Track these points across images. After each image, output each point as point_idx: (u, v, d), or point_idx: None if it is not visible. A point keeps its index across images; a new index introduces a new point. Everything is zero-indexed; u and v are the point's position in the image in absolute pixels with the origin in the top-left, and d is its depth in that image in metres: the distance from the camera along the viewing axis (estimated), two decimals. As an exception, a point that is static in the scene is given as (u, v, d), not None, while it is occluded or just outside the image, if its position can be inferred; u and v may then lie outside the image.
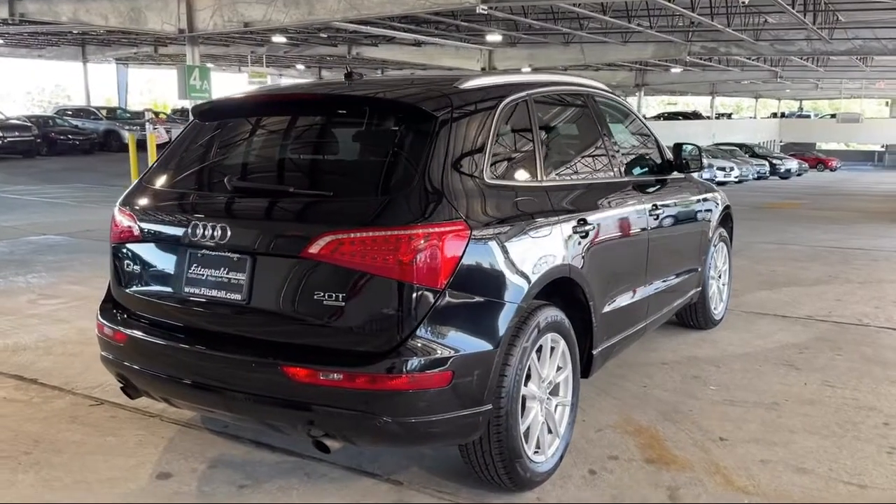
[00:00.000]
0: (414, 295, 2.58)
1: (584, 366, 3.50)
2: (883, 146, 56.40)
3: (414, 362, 2.58)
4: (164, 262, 3.04)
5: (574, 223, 3.32)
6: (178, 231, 2.96)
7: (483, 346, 2.73)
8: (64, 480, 3.26)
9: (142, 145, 14.07)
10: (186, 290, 2.92)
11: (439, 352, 2.62)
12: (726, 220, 5.53)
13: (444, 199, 2.69)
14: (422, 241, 2.58)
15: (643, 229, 4.02)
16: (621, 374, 4.50)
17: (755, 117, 55.51)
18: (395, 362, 2.57)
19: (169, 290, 2.99)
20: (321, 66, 39.91)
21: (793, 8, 14.45)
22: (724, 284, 5.65)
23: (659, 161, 4.61)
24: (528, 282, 2.93)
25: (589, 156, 3.81)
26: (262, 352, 2.73)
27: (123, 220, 3.20)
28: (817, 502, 3.07)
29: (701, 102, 46.15)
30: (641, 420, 3.87)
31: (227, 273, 2.82)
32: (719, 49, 20.07)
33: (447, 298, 2.63)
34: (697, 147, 4.62)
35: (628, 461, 3.41)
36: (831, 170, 43.10)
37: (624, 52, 20.41)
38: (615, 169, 3.98)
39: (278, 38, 22.11)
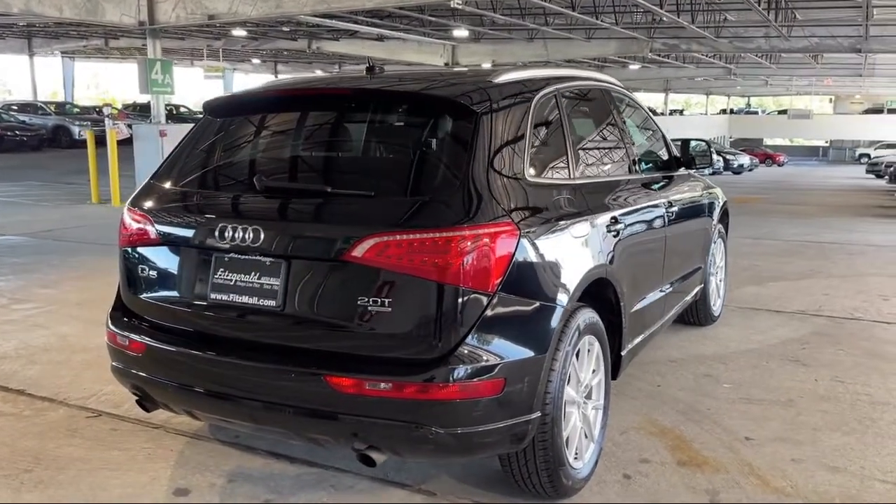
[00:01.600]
0: (465, 299, 2.46)
1: (613, 367, 3.43)
2: (827, 142, 58.05)
3: (466, 370, 2.46)
4: (186, 266, 2.85)
5: (608, 221, 3.25)
6: (202, 234, 2.79)
7: (533, 351, 2.62)
8: (73, 499, 3.06)
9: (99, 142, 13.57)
10: (212, 296, 2.74)
11: (491, 358, 2.50)
12: (724, 215, 5.54)
13: (491, 199, 2.58)
14: (473, 243, 2.47)
15: (662, 226, 3.97)
16: (632, 374, 4.45)
17: (706, 113, 56.49)
18: (446, 370, 2.44)
19: (192, 296, 2.81)
20: (277, 60, 39.29)
21: (759, 5, 14.66)
22: (721, 280, 5.65)
23: (666, 157, 4.57)
24: (574, 283, 2.84)
25: (611, 152, 3.73)
26: (302, 361, 2.58)
27: (136, 223, 3.00)
28: (858, 503, 3.05)
29: (655, 99, 46.77)
30: (663, 421, 3.81)
31: (259, 278, 2.66)
32: (680, 46, 20.31)
33: (498, 302, 2.52)
34: (707, 143, 4.58)
35: (660, 464, 3.35)
36: (779, 165, 44.16)
37: (587, 49, 20.50)
38: (635, 165, 3.93)
39: (238, 32, 21.61)
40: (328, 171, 2.95)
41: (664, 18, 17.68)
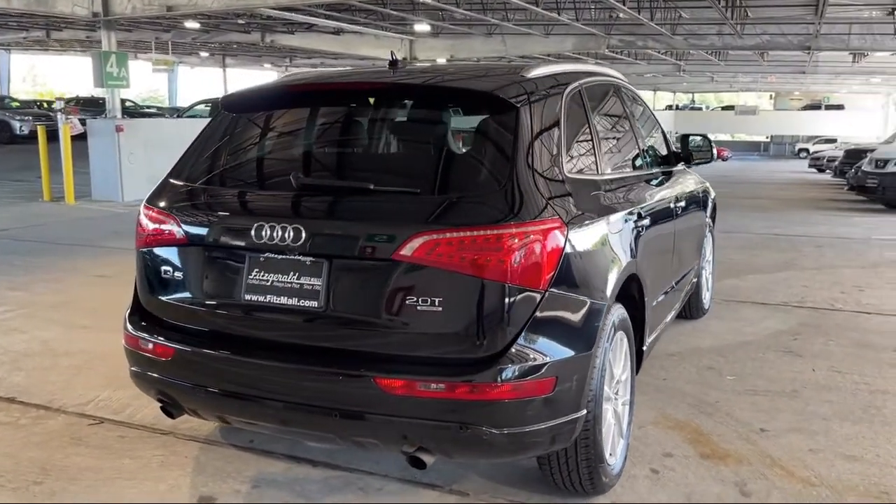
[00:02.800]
0: (517, 297, 2.42)
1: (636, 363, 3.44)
2: (768, 137, 59.69)
3: (518, 369, 2.42)
4: (216, 267, 2.74)
5: (635, 217, 3.25)
6: (234, 233, 2.68)
7: (581, 348, 2.60)
8: (93, 512, 2.93)
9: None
10: (247, 297, 2.65)
11: (542, 357, 2.47)
12: (713, 209, 5.62)
13: (539, 194, 2.55)
14: (525, 240, 2.43)
15: (672, 221, 4.01)
16: (637, 368, 4.47)
17: (653, 109, 57.44)
18: (499, 370, 2.40)
19: (223, 297, 2.71)
20: (225, 53, 38.43)
21: (718, 3, 14.95)
22: (710, 274, 5.74)
23: (666, 152, 4.61)
24: (613, 279, 2.83)
25: (627, 147, 3.74)
26: (349, 363, 2.50)
27: (157, 222, 2.87)
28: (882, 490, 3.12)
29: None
30: (677, 415, 3.84)
31: (299, 278, 2.57)
32: (637, 43, 20.61)
33: (548, 299, 2.49)
34: (707, 138, 4.63)
35: (684, 458, 3.37)
36: (723, 159, 45.18)
37: (545, 45, 20.61)
38: (646, 160, 3.95)
39: (191, 24, 21.08)
40: (368, 168, 2.87)
41: (622, 15, 17.91)
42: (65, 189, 12.53)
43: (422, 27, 19.85)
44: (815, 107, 54.53)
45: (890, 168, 13.19)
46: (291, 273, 2.59)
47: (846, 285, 6.84)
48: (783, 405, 3.99)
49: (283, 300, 2.59)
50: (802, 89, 51.35)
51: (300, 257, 2.57)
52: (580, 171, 2.97)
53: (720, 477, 3.20)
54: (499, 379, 2.40)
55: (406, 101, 2.92)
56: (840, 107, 54.06)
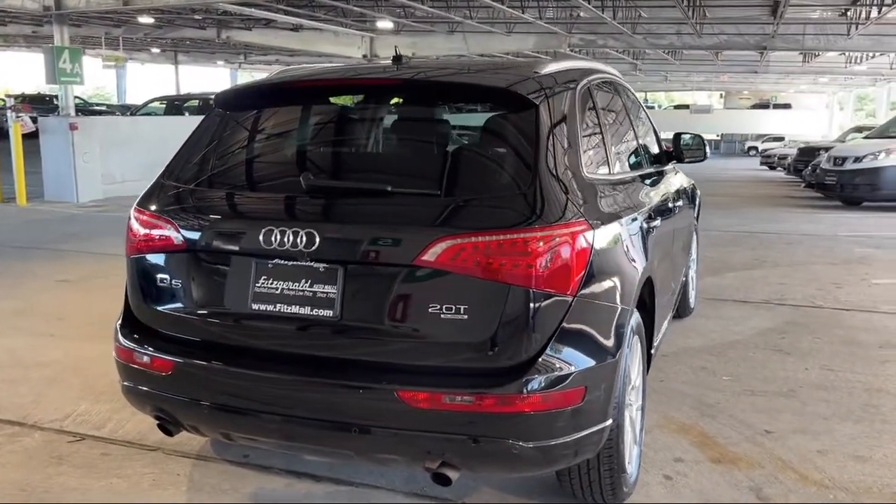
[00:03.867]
0: (546, 303, 2.31)
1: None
2: (719, 135, 60.86)
3: (548, 379, 2.31)
4: (219, 274, 2.57)
5: (645, 218, 3.17)
6: (239, 238, 2.52)
7: (608, 355, 2.50)
8: (83, 538, 2.73)
9: None
10: (254, 306, 2.48)
11: (571, 365, 2.36)
12: (699, 208, 5.61)
13: (564, 196, 2.44)
14: (553, 244, 2.32)
15: (671, 220, 3.95)
16: (632, 369, 4.41)
17: (607, 107, 58.03)
18: (529, 380, 2.29)
19: (228, 307, 2.53)
20: (177, 49, 37.57)
21: (681, 3, 15.09)
22: (695, 273, 5.73)
23: (657, 150, 4.55)
24: (635, 282, 2.75)
25: (631, 147, 3.67)
26: (368, 375, 2.36)
27: (152, 227, 2.69)
28: (897, 491, 3.10)
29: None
30: (680, 417, 3.78)
31: (312, 286, 2.42)
32: (597, 42, 20.70)
33: (577, 306, 2.38)
34: (699, 136, 4.59)
35: (695, 462, 3.31)
36: (679, 158, 45.87)
37: (507, 43, 20.57)
38: (645, 159, 3.88)
39: (146, 19, 20.46)
40: (382, 169, 2.72)
41: (583, 14, 17.99)
42: (16, 190, 12.04)
43: (384, 24, 19.63)
44: (763, 106, 55.74)
45: (848, 166, 13.47)
46: (303, 280, 2.43)
47: (823, 282, 6.91)
48: (782, 405, 3.97)
49: (294, 309, 2.44)
50: (752, 88, 52.47)
51: (313, 264, 2.41)
52: (595, 171, 2.88)
53: (734, 482, 3.14)
54: (528, 390, 2.29)
55: (420, 98, 2.78)
56: (787, 106, 55.34)
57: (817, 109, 55.55)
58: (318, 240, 2.38)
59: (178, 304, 2.63)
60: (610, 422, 2.54)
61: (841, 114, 54.73)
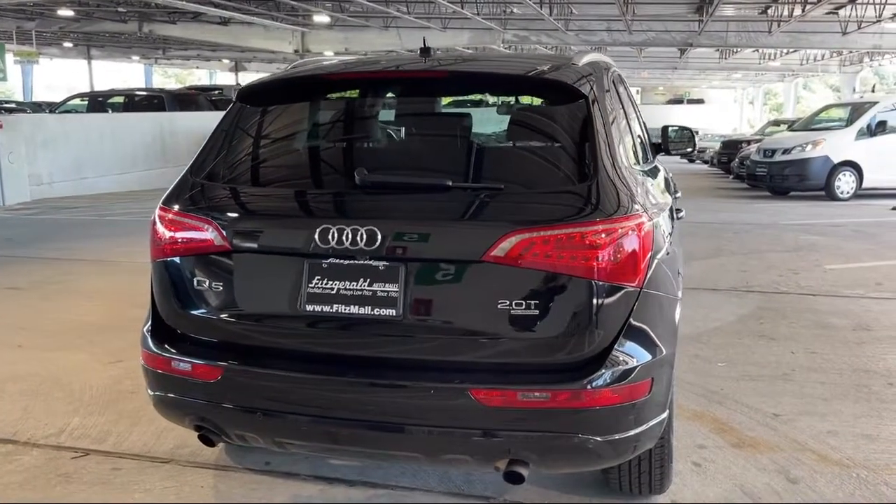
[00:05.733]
0: (617, 296, 2.30)
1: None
2: (643, 129, 62.50)
3: (620, 372, 2.30)
4: (267, 276, 2.44)
5: (670, 209, 3.21)
6: (293, 237, 2.40)
7: (670, 347, 2.51)
8: (119, 560, 2.57)
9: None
10: (308, 307, 2.37)
11: (640, 357, 2.36)
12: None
13: (624, 188, 2.43)
14: (623, 235, 2.30)
15: (674, 211, 4.00)
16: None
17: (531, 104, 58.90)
18: (602, 374, 2.27)
19: (279, 309, 2.41)
20: (91, 44, 35.96)
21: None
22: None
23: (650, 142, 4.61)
24: (680, 272, 2.77)
25: (640, 140, 3.69)
26: (438, 375, 2.29)
27: (187, 228, 2.53)
28: (913, 466, 3.23)
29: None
30: (691, 405, 3.84)
31: (371, 285, 2.33)
32: (530, 38, 20.90)
33: (643, 297, 2.37)
34: (689, 128, 4.67)
35: (718, 448, 3.37)
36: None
37: (442, 38, 20.51)
38: (648, 151, 3.92)
39: (65, 12, 19.46)
40: (436, 163, 2.63)
41: (515, 10, 18.16)
42: (-66, 192, 11.31)
43: (321, 18, 19.29)
44: (678, 101, 57.57)
45: (777, 157, 14.06)
46: (361, 279, 2.34)
47: (781, 269, 7.18)
48: (781, 389, 4.09)
49: (353, 309, 2.34)
50: (668, 84, 54.19)
51: (372, 262, 2.33)
52: (632, 163, 2.89)
53: (760, 465, 3.22)
54: (602, 384, 2.27)
55: (470, 90, 2.72)
56: (700, 101, 57.29)
57: (728, 104, 57.87)
58: (379, 237, 2.29)
59: (221, 309, 2.49)
60: (667, 412, 2.56)
61: (750, 108, 57.16)
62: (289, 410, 2.40)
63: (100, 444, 3.41)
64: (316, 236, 2.33)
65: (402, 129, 2.83)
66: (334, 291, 2.36)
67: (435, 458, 2.42)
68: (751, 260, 7.65)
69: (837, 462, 3.25)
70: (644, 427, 2.40)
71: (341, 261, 2.35)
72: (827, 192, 13.63)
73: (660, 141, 4.64)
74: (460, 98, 2.75)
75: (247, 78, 41.09)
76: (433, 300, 2.32)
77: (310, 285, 2.38)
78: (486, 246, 2.25)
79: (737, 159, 17.17)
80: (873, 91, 20.24)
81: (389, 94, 2.82)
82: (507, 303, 2.26)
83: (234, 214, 2.51)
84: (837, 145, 13.62)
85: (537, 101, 2.64)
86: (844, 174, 13.61)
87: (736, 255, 7.86)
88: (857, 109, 14.35)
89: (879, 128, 13.62)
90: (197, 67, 47.59)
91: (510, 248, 2.24)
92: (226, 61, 40.21)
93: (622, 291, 2.31)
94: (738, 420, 3.67)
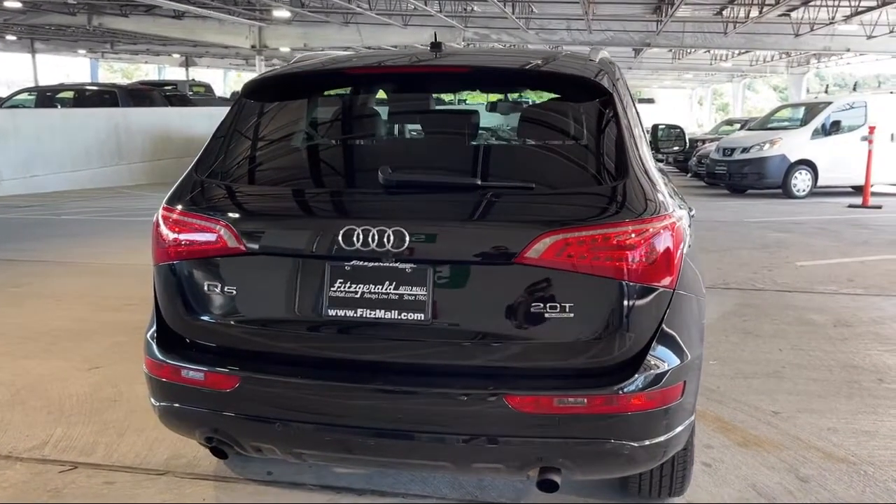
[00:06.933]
0: (652, 297, 2.24)
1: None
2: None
3: (655, 375, 2.25)
4: (286, 279, 2.31)
5: (687, 209, 3.17)
6: (314, 239, 2.28)
7: (699, 348, 2.48)
8: (125, 581, 2.42)
9: None
10: (331, 312, 2.27)
11: (674, 360, 2.31)
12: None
13: (653, 188, 2.38)
14: (656, 236, 2.25)
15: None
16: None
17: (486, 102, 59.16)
18: (638, 378, 2.21)
19: (300, 315, 2.29)
20: (34, 37, 34.78)
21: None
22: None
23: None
24: (703, 272, 2.73)
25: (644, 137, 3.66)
26: (471, 381, 2.21)
27: (192, 229, 2.39)
28: (917, 462, 3.26)
29: (441, 86, 47.99)
30: (690, 403, 3.84)
31: (397, 288, 2.23)
32: (491, 36, 20.90)
33: (676, 299, 2.33)
34: (680, 128, 4.66)
35: (725, 448, 3.36)
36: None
37: (402, 35, 20.34)
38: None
39: (12, 3, 18.68)
40: (463, 162, 2.54)
41: (476, 8, 18.13)
42: None
43: (281, 13, 18.95)
44: (629, 100, 58.43)
45: (736, 156, 14.32)
46: (387, 283, 2.24)
47: (754, 266, 7.27)
48: (776, 386, 4.11)
49: (379, 314, 2.25)
50: (621, 84, 54.88)
51: (398, 264, 2.23)
52: (653, 161, 2.84)
53: (769, 464, 3.21)
54: (638, 387, 2.21)
55: (494, 86, 2.63)
56: (651, 100, 58.25)
57: (677, 104, 58.99)
58: (407, 239, 2.20)
59: (235, 314, 2.37)
60: (693, 416, 2.52)
61: (699, 108, 58.36)
62: (310, 420, 2.29)
63: (88, 456, 3.24)
64: (340, 238, 2.23)
65: (425, 127, 2.73)
66: (358, 295, 2.26)
67: (465, 467, 2.34)
68: (724, 257, 7.74)
69: (843, 459, 3.27)
70: (676, 431, 2.35)
71: (365, 263, 2.24)
72: (784, 190, 13.93)
73: (663, 139, 4.62)
74: (484, 94, 2.66)
75: (198, 73, 40.35)
76: (463, 304, 2.24)
77: (332, 289, 2.27)
78: (519, 248, 2.18)
79: (694, 158, 17.43)
80: (826, 92, 20.77)
81: (411, 90, 2.72)
82: (541, 306, 2.19)
83: (250, 215, 2.39)
84: (794, 144, 13.93)
85: (565, 99, 2.57)
86: (801, 173, 13.94)
87: (710, 253, 7.95)
88: (812, 109, 14.71)
89: (834, 127, 13.97)
90: (145, 62, 46.45)
91: (544, 250, 2.17)
92: (176, 56, 39.33)
93: (656, 292, 2.26)
94: (740, 419, 3.67)
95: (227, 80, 49.35)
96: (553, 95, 2.60)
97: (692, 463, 2.76)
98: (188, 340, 2.46)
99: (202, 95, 23.11)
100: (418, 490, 2.98)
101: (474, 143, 2.64)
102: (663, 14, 17.34)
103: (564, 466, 2.26)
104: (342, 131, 2.70)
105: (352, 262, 2.25)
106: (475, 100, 2.58)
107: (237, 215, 2.37)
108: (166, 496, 2.92)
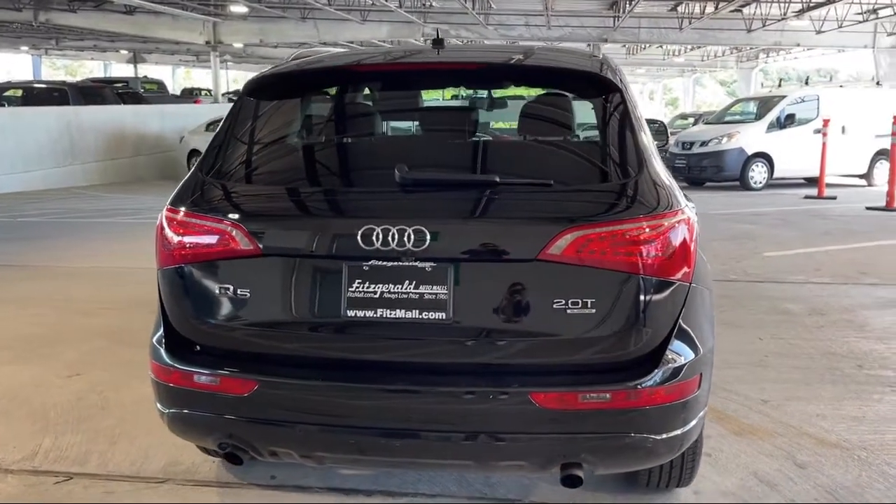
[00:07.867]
0: (671, 291, 2.27)
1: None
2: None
3: (675, 369, 2.27)
4: (302, 280, 2.27)
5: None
6: (331, 239, 2.24)
7: (712, 339, 2.51)
8: None
9: None
10: (350, 313, 2.23)
11: (691, 353, 2.34)
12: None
13: (667, 181, 2.42)
14: (674, 230, 2.28)
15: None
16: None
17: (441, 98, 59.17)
18: (660, 372, 2.23)
19: (317, 315, 2.26)
20: (-24, 34, 33.58)
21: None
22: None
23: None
24: (710, 266, 2.77)
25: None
26: (493, 379, 2.21)
27: (201, 230, 2.34)
28: (906, 445, 3.37)
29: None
30: (682, 394, 3.90)
31: (417, 287, 2.21)
32: (450, 32, 20.86)
33: (692, 292, 2.36)
34: (662, 122, 4.72)
35: (721, 437, 3.42)
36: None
37: (360, 31, 20.18)
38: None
39: (-47, -2, 18.03)
40: (478, 159, 2.52)
41: (434, 3, 18.10)
42: None
43: (238, 8, 18.63)
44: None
45: (695, 150, 14.60)
46: (407, 282, 2.22)
47: (723, 257, 7.42)
48: (762, 375, 4.20)
49: (399, 314, 2.22)
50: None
51: (417, 263, 2.21)
52: (659, 156, 2.87)
53: (766, 451, 3.28)
54: (660, 381, 2.23)
55: (507, 82, 2.62)
56: (604, 95, 58.85)
57: (630, 99, 59.69)
58: (427, 237, 2.18)
59: (248, 317, 2.32)
60: (706, 408, 2.56)
61: (650, 102, 59.29)
62: (333, 423, 2.25)
63: (82, 466, 3.14)
64: (358, 237, 2.20)
65: (439, 124, 2.70)
66: (377, 295, 2.23)
67: (488, 465, 2.34)
68: (693, 249, 7.87)
69: (836, 444, 3.36)
70: (693, 423, 2.38)
71: (384, 263, 2.22)
72: (742, 182, 14.26)
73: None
74: (497, 91, 2.65)
75: (146, 70, 39.38)
76: (485, 302, 2.22)
77: (350, 289, 2.24)
78: (541, 244, 2.17)
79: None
80: (780, 86, 21.29)
81: (425, 87, 2.69)
82: (563, 302, 2.19)
83: (262, 216, 2.34)
84: (751, 137, 14.27)
85: (578, 95, 2.57)
86: (757, 165, 14.28)
87: (678, 245, 8.07)
88: (767, 103, 15.07)
89: (788, 120, 14.35)
90: (91, 59, 45.22)
91: (566, 246, 2.18)
92: (123, 52, 38.34)
93: (674, 286, 2.28)
94: (732, 408, 3.74)
95: (175, 77, 48.37)
96: (566, 92, 2.60)
97: (700, 453, 2.80)
98: (198, 345, 2.40)
99: (155, 93, 22.67)
100: (426, 489, 2.96)
101: (490, 139, 2.63)
102: (620, 10, 17.56)
103: (587, 461, 2.27)
104: (353, 129, 2.67)
105: (370, 262, 2.22)
106: (496, 95, 2.57)
107: (249, 216, 2.32)
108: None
